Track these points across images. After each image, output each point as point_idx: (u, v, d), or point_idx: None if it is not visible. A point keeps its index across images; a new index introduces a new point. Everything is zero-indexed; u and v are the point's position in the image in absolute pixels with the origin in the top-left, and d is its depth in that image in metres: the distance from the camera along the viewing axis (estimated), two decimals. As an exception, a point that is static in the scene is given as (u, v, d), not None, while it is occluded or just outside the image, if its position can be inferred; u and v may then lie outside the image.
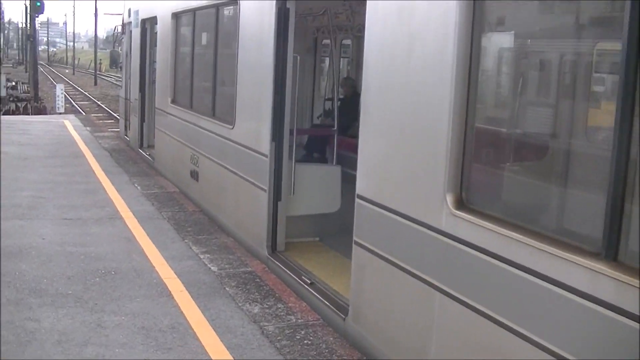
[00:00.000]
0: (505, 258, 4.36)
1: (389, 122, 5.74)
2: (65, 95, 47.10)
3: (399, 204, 5.57)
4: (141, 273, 7.80)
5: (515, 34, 5.11)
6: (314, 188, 8.76)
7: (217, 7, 10.47)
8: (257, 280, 7.80)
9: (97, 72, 73.30)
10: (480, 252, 4.59)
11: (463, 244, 4.78)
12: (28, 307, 6.68)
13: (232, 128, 9.40)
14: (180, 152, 12.23)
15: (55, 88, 33.55)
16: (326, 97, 14.00)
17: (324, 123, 13.36)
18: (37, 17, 42.01)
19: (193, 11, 11.79)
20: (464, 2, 4.74)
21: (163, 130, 13.73)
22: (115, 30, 22.50)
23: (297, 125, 8.39)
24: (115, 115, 30.37)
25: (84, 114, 35.08)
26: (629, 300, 3.48)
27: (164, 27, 13.72)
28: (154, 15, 14.66)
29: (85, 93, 54.04)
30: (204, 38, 11.70)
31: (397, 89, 5.60)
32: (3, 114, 32.95)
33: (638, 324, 3.42)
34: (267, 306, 7.04)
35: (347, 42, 13.85)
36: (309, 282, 7.50)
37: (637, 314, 3.42)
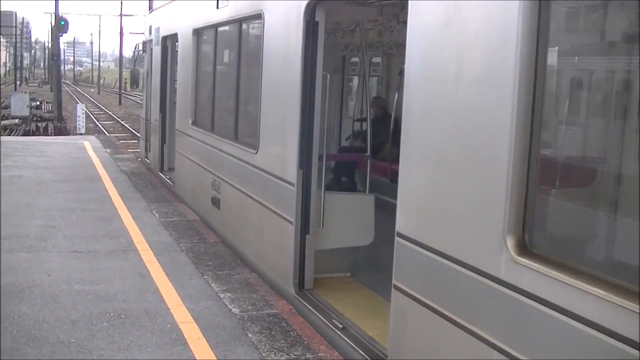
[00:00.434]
0: (582, 317, 3.56)
1: (435, 150, 4.94)
2: (88, 115, 46.98)
3: (448, 246, 4.76)
4: (154, 316, 7.01)
5: (590, 46, 4.29)
6: (345, 219, 7.95)
7: (240, 22, 9.73)
8: (283, 324, 6.98)
9: (122, 91, 73.15)
10: (549, 307, 3.79)
11: (527, 297, 3.97)
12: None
13: (256, 153, 8.63)
14: (201, 177, 11.49)
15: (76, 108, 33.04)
16: (355, 118, 13.28)
17: (352, 145, 12.61)
18: (61, 35, 41.72)
19: (215, 27, 11.07)
20: (528, 1, 3.96)
21: (183, 153, 13.01)
22: (136, 49, 21.91)
23: (324, 148, 7.62)
24: (138, 135, 29.86)
25: (107, 134, 34.66)
26: None
27: (184, 45, 13.04)
28: (174, 32, 13.99)
29: (110, 112, 53.83)
30: (226, 55, 10.97)
31: (444, 113, 4.81)
32: (23, 134, 32.62)
33: None
34: (294, 356, 6.22)
35: (377, 60, 13.12)
36: (341, 326, 6.68)
37: None
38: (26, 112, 39.94)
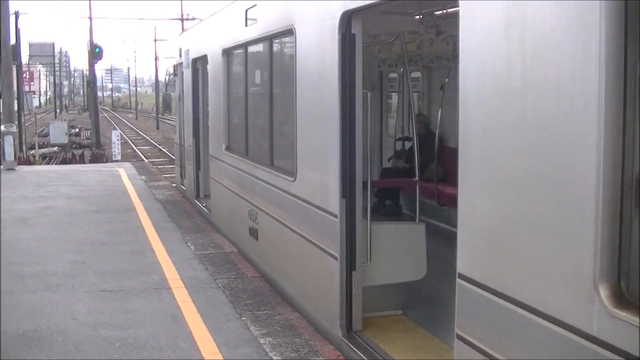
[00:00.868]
0: None
1: (503, 175, 4.18)
2: (126, 141, 46.84)
3: (522, 293, 3.98)
4: (187, 368, 6.34)
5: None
6: (394, 252, 7.18)
7: (271, 39, 9.05)
8: (330, 373, 6.25)
9: (160, 116, 73.17)
10: None
11: (626, 358, 3.19)
12: None
13: (294, 180, 7.92)
14: (237, 206, 10.81)
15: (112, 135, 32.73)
16: (396, 137, 12.53)
17: (395, 166, 11.84)
18: (96, 62, 41.72)
19: (244, 46, 10.42)
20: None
21: (219, 180, 12.36)
22: (167, 73, 21.43)
23: (368, 173, 6.88)
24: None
25: (145, 159, 34.30)
26: None
27: (214, 66, 12.43)
28: (204, 53, 13.40)
29: (147, 137, 53.72)
30: (258, 76, 10.30)
31: (511, 131, 4.06)
32: (60, 162, 32.38)
33: None
34: (344, 413, 5.49)
35: (416, 74, 12.33)
36: (396, 375, 5.94)
37: None
38: (65, 140, 39.79)
